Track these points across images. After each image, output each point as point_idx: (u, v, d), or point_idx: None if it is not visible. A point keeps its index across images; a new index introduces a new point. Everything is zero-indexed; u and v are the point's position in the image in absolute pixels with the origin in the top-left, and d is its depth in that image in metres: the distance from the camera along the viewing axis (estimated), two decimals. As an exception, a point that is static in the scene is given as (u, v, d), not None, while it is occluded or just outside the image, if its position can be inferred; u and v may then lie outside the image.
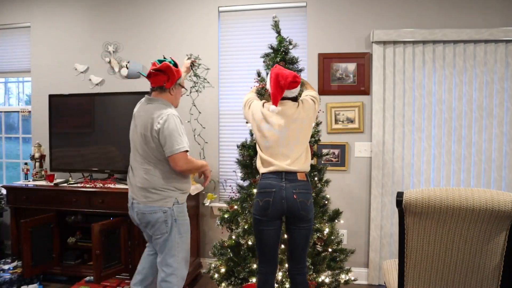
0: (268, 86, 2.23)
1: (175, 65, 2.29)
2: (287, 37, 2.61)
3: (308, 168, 2.19)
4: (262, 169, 2.18)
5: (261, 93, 2.60)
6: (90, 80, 3.73)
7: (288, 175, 2.10)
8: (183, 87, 2.41)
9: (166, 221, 2.26)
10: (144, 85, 3.59)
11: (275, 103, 2.13)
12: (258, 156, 2.24)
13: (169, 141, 2.16)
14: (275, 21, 2.60)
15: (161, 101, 2.26)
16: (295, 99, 2.23)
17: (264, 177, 2.14)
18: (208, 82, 3.39)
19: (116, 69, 3.68)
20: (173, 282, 2.31)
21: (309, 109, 2.22)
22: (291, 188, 2.07)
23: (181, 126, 2.24)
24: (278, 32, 2.61)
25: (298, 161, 2.15)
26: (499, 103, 3.09)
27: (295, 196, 2.06)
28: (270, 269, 2.18)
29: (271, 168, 2.12)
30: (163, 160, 2.23)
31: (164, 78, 2.22)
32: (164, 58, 2.31)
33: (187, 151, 2.21)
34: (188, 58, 2.90)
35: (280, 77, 2.11)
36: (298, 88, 2.21)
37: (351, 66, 3.27)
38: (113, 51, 3.68)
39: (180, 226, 2.31)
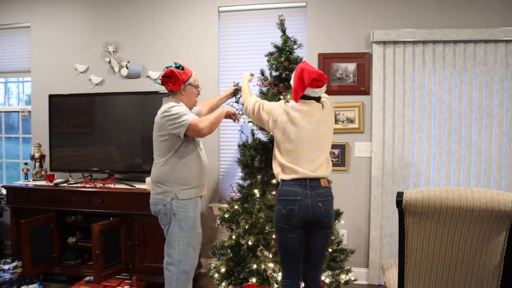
0: (291, 82, 2.18)
1: (182, 68, 2.45)
2: (292, 37, 2.61)
3: (330, 174, 2.14)
4: (282, 176, 2.10)
5: (264, 92, 2.60)
6: (90, 80, 3.73)
7: (312, 182, 2.05)
8: (195, 86, 2.53)
9: (166, 214, 2.42)
10: (144, 85, 3.61)
11: (296, 99, 2.07)
12: (276, 161, 2.16)
13: (178, 122, 2.29)
14: (281, 20, 2.59)
15: (171, 99, 2.45)
16: (318, 99, 2.15)
17: (286, 184, 2.07)
18: None
19: (116, 69, 3.68)
20: (173, 271, 2.43)
21: (331, 111, 2.18)
22: (316, 196, 2.03)
23: (185, 110, 2.37)
24: (283, 31, 2.60)
25: (322, 166, 2.10)
26: (499, 103, 3.09)
27: (320, 204, 2.03)
28: (297, 274, 2.15)
29: (294, 176, 2.06)
30: (166, 154, 2.38)
31: (170, 82, 2.41)
32: (175, 64, 2.48)
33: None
34: (234, 86, 2.90)
35: (305, 72, 2.04)
36: (323, 88, 2.12)
37: (351, 66, 3.27)
38: (113, 51, 3.68)
39: (181, 221, 2.41)
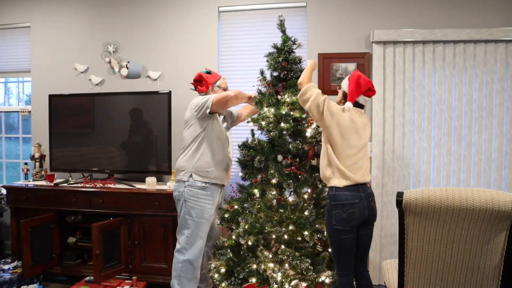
0: (345, 88, 2.30)
1: (210, 73, 2.77)
2: (292, 37, 2.60)
3: None
4: (334, 182, 2.18)
5: (263, 93, 2.60)
6: (90, 80, 3.72)
7: (362, 185, 2.21)
8: (223, 89, 2.76)
9: (179, 200, 2.65)
10: (144, 85, 3.61)
11: (352, 101, 2.21)
12: (330, 163, 2.21)
13: (202, 103, 2.55)
14: (281, 20, 2.59)
15: None
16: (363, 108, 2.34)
17: (340, 189, 2.17)
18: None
19: (116, 69, 3.68)
20: (179, 258, 2.63)
21: None
22: (368, 197, 2.21)
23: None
24: (283, 31, 2.60)
25: (367, 172, 2.27)
26: (499, 103, 3.09)
27: (372, 204, 2.23)
28: (352, 270, 2.27)
29: (348, 183, 2.16)
30: (188, 143, 2.64)
31: (199, 84, 2.75)
32: (205, 70, 2.80)
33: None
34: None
35: (361, 79, 2.23)
36: (370, 99, 2.33)
37: (351, 66, 3.27)
38: (113, 51, 3.68)
39: (191, 209, 2.60)
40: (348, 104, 2.19)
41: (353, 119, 2.21)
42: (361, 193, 2.17)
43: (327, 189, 2.70)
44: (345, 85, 2.30)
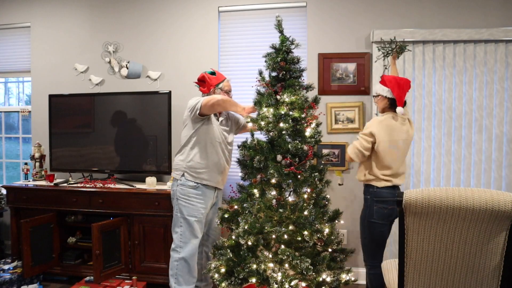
0: (387, 94, 2.47)
1: (213, 73, 2.75)
2: (290, 37, 2.60)
3: None
4: (376, 183, 2.44)
5: (262, 93, 2.60)
6: (90, 80, 3.73)
7: (398, 186, 2.50)
8: (226, 92, 2.74)
9: (173, 198, 2.69)
10: (144, 85, 3.61)
11: (402, 104, 2.40)
12: (370, 171, 2.47)
13: (193, 105, 2.57)
14: (278, 20, 2.59)
15: None
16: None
17: (380, 187, 2.44)
18: None
19: (116, 69, 3.68)
20: (174, 257, 2.65)
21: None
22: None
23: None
24: (281, 32, 2.60)
25: (404, 174, 2.53)
26: (499, 103, 3.09)
27: None
28: (381, 262, 2.48)
29: (389, 184, 2.44)
30: (184, 143, 2.67)
31: (202, 85, 2.75)
32: (210, 70, 2.78)
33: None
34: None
35: (399, 79, 2.43)
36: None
37: (351, 66, 3.27)
38: (113, 51, 3.69)
39: (182, 207, 2.63)
40: (400, 109, 2.39)
41: (391, 133, 2.40)
42: (397, 190, 2.43)
43: (326, 189, 2.72)
44: (385, 91, 2.46)
